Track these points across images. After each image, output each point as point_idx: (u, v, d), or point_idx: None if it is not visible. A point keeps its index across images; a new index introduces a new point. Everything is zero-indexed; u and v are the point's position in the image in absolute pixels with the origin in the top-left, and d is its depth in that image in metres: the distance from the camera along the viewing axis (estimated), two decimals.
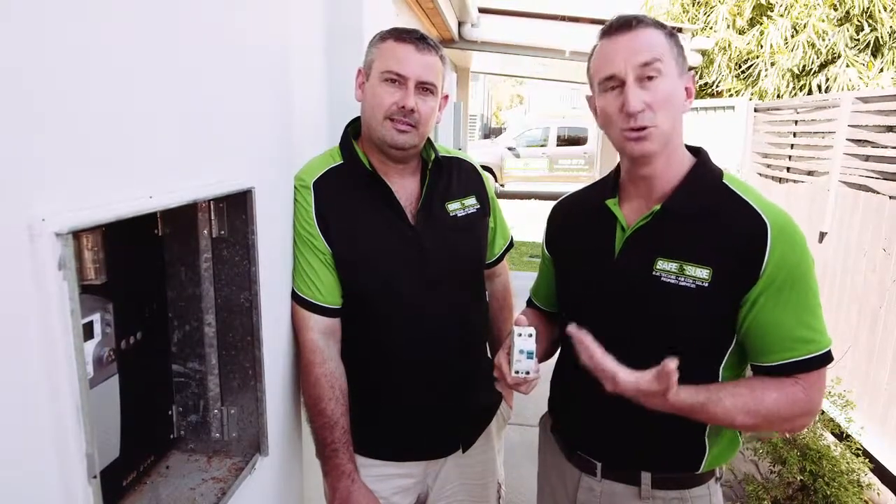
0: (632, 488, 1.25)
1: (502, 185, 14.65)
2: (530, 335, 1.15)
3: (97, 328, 0.91)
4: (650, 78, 1.11)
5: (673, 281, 1.14)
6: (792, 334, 1.11)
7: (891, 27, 6.09)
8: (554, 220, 1.45)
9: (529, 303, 1.56)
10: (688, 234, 1.16)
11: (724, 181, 1.18)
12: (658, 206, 1.17)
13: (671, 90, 1.12)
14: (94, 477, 0.73)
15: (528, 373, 1.17)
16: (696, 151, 1.24)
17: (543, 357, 1.38)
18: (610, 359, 1.09)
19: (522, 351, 1.16)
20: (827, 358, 1.12)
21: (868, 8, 6.13)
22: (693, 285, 1.13)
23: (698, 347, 1.16)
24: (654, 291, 1.16)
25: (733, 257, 1.11)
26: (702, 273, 1.12)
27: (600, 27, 1.20)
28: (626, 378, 1.07)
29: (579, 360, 1.13)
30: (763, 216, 1.11)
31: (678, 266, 1.14)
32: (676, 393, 1.07)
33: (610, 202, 1.26)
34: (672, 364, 1.03)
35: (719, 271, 1.11)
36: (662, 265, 1.16)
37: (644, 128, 1.12)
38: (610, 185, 1.30)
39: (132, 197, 0.81)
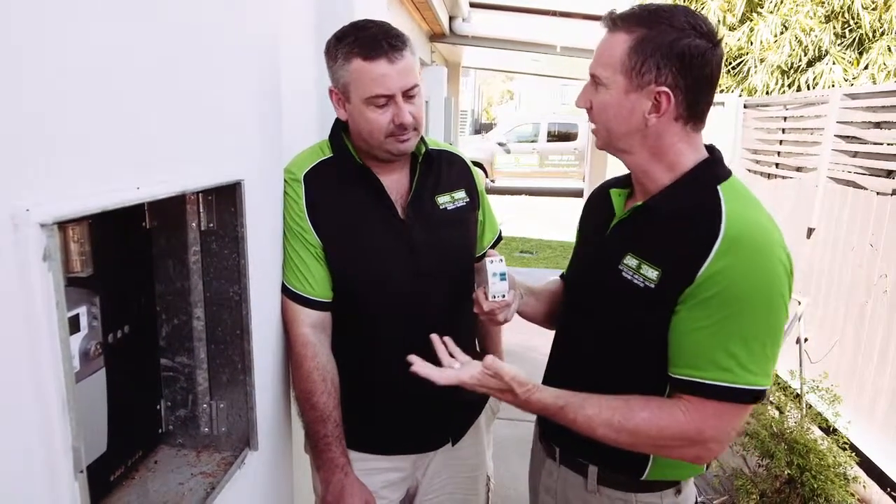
0: (581, 479, 1.27)
1: (493, 181, 14.62)
2: (501, 259, 1.30)
3: (83, 321, 0.90)
4: (597, 84, 1.15)
5: (629, 277, 1.13)
6: (706, 354, 1.04)
7: (871, 24, 6.12)
8: (587, 202, 1.47)
9: (562, 276, 1.57)
10: (654, 234, 1.14)
11: (718, 186, 1.11)
12: (641, 203, 1.18)
13: (607, 102, 1.14)
14: (81, 471, 0.72)
15: (503, 296, 1.30)
16: (710, 151, 1.19)
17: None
18: (429, 366, 1.23)
19: (496, 274, 1.29)
20: (740, 395, 1.02)
21: (850, 5, 6.16)
22: (642, 284, 1.11)
23: (646, 348, 1.14)
24: (614, 283, 1.16)
25: (680, 261, 1.06)
26: (652, 274, 1.10)
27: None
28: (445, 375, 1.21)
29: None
30: (723, 224, 1.04)
31: (637, 263, 1.13)
32: (531, 392, 1.14)
33: (613, 191, 1.29)
34: (490, 359, 1.15)
35: (666, 275, 1.08)
36: (627, 260, 1.15)
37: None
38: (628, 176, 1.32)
39: (119, 188, 0.80)
